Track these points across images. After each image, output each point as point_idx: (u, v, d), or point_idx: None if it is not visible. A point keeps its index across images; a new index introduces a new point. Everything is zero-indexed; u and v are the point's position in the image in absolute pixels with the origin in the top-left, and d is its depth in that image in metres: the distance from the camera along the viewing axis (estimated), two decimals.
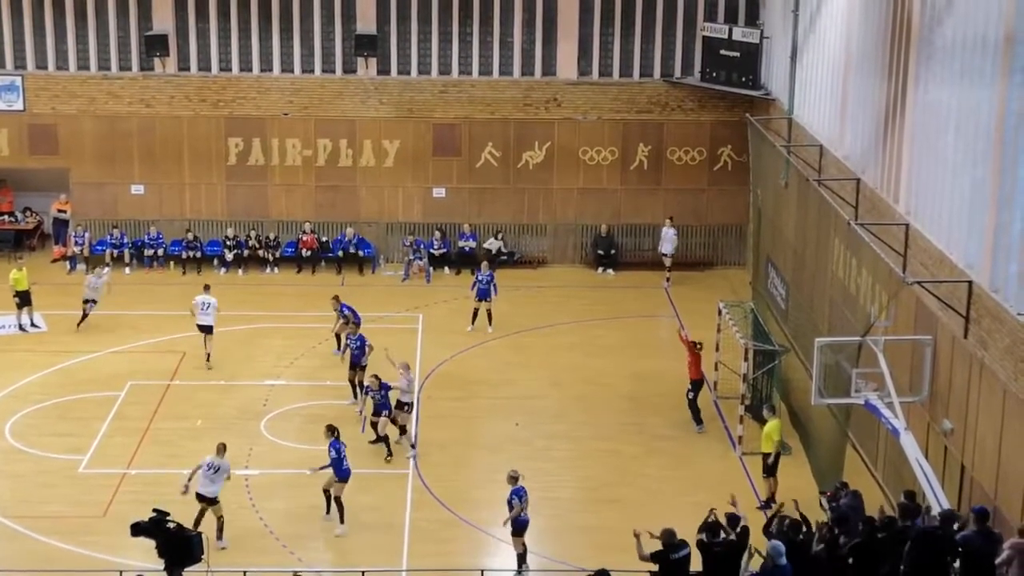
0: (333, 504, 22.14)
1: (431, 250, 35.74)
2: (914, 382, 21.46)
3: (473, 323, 31.43)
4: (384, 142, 35.97)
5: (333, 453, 22.13)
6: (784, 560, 16.84)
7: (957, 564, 16.85)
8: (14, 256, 35.48)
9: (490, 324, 31.37)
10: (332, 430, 22.39)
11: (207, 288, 29.52)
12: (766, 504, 22.78)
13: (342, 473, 22.12)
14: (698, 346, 26.41)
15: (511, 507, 20.73)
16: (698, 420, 26.26)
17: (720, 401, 27.40)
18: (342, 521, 22.01)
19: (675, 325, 30.26)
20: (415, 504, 23.14)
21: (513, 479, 20.94)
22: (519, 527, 20.79)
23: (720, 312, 27.78)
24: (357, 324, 28.50)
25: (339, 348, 29.17)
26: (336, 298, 29.55)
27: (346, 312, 28.89)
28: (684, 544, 17.63)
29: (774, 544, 17.06)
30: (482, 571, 19.51)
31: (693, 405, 26.27)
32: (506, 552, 21.68)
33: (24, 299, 31.01)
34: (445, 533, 22.23)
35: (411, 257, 35.52)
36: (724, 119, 35.68)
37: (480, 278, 31.38)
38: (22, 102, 35.53)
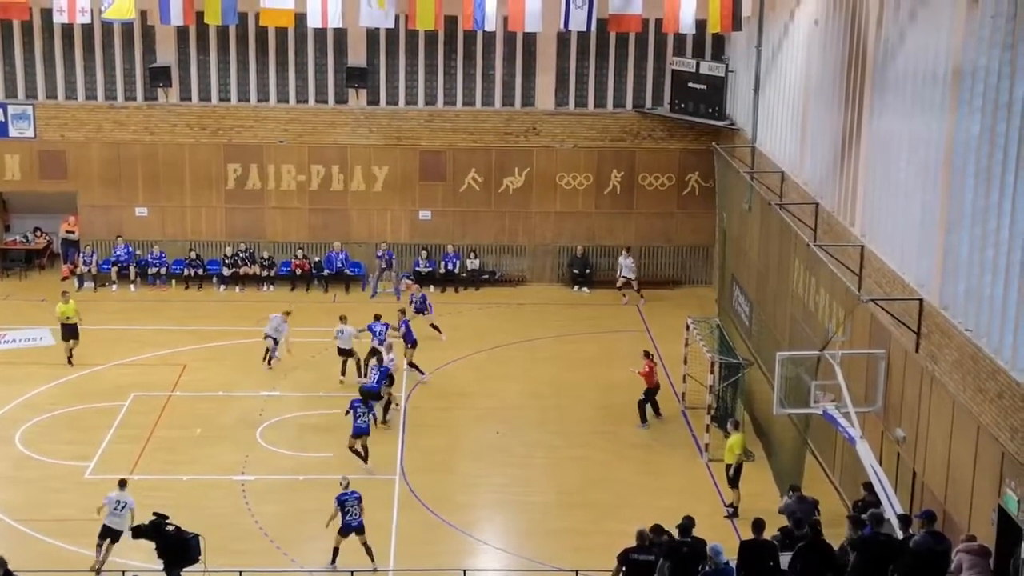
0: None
1: (416, 268, 35.63)
2: (869, 393, 21.47)
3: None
4: (374, 168, 35.87)
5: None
6: (723, 558, 16.61)
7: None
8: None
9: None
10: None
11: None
12: (733, 512, 22.66)
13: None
14: (650, 357, 26.85)
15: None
16: (643, 419, 26.51)
17: (688, 411, 27.31)
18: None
19: (643, 343, 30.00)
20: (401, 507, 23.02)
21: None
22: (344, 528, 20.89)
23: (688, 328, 27.75)
24: (412, 345, 29.08)
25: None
26: (402, 311, 29.85)
27: (401, 329, 28.91)
28: (649, 550, 17.18)
29: (713, 545, 16.77)
30: (464, 571, 19.34)
31: (641, 406, 26.51)
32: (487, 553, 21.63)
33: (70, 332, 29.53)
34: (430, 535, 22.10)
35: (383, 267, 35.21)
36: (692, 147, 35.67)
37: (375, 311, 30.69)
38: (33, 130, 35.34)
